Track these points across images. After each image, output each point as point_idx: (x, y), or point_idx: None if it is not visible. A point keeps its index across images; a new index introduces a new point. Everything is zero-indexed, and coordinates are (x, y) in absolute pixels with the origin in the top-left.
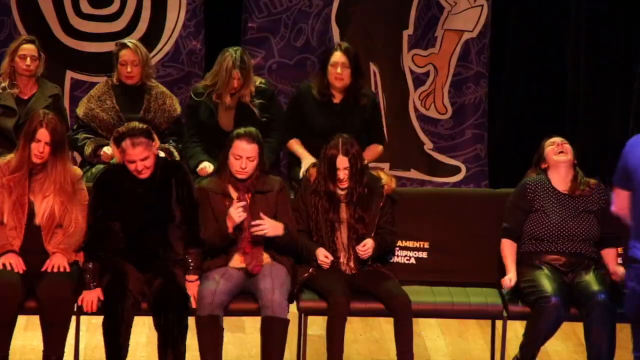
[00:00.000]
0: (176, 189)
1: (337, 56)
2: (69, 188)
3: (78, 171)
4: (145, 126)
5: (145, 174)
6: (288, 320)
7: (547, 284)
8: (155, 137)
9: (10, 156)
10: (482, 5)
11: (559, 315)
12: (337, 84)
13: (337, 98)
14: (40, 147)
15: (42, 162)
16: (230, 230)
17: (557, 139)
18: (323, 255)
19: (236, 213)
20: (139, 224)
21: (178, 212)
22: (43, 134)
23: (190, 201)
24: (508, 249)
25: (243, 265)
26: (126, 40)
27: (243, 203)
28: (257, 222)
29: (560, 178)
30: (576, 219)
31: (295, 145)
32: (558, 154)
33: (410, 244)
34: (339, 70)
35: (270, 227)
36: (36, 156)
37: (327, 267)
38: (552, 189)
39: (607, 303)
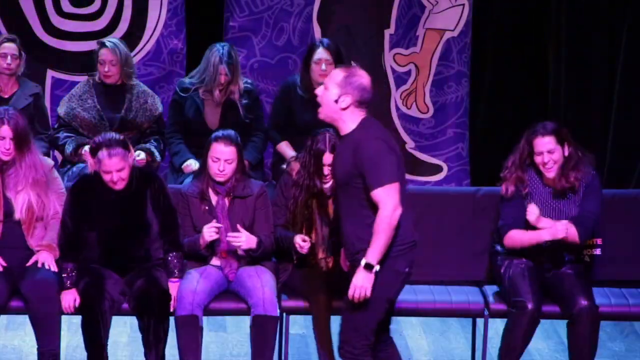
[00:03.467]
0: (152, 199)
1: (320, 53)
2: (42, 179)
3: (49, 161)
4: (121, 137)
5: (120, 185)
6: (279, 318)
7: (522, 285)
8: (131, 148)
9: None
10: (463, 5)
11: (535, 320)
12: (322, 80)
13: None
14: (5, 144)
15: (10, 158)
16: (202, 248)
17: (544, 148)
18: (301, 239)
19: (208, 232)
20: (115, 233)
21: (155, 222)
22: (5, 131)
23: (168, 209)
24: (518, 233)
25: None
26: (106, 40)
27: (219, 225)
28: (234, 234)
29: (549, 177)
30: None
31: (286, 149)
32: (546, 169)
33: None
34: (323, 67)
35: (245, 240)
36: (2, 153)
37: (306, 251)
38: (541, 186)
39: (591, 307)
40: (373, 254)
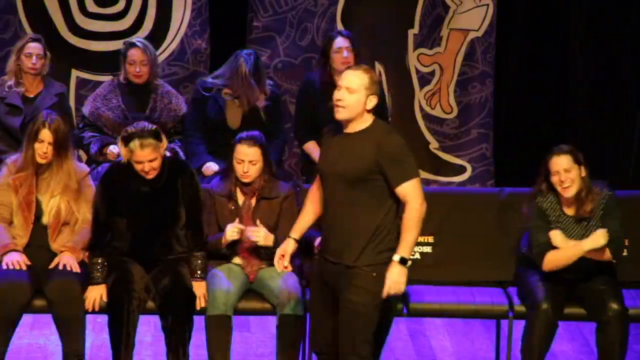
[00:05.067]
0: (182, 190)
1: (340, 41)
2: (74, 186)
3: (84, 168)
4: (154, 127)
5: (151, 175)
6: (304, 317)
7: (539, 289)
8: (164, 138)
9: (16, 155)
10: (487, 5)
11: (551, 321)
12: (344, 69)
13: None
14: (43, 147)
15: (47, 162)
16: (224, 246)
17: (560, 167)
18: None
19: (230, 232)
20: (144, 223)
21: (183, 213)
22: (46, 135)
23: (196, 203)
24: (557, 253)
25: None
26: (135, 40)
27: (240, 226)
28: (253, 228)
29: (567, 200)
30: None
31: (313, 149)
32: (563, 189)
33: None
34: (345, 54)
35: (262, 236)
36: (40, 156)
37: None
38: (561, 212)
39: (622, 311)
40: (405, 248)
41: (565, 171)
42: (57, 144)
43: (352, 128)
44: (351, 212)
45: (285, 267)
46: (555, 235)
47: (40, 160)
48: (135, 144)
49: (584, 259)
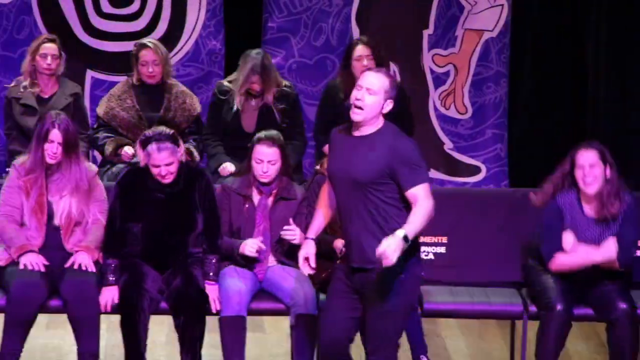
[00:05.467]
0: (198, 196)
1: (361, 50)
2: (84, 186)
3: (92, 167)
4: (171, 131)
5: (168, 179)
6: (318, 317)
7: (553, 289)
8: (181, 143)
9: (24, 157)
10: (502, 5)
11: (565, 322)
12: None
13: None
14: (53, 147)
15: (56, 162)
16: (238, 256)
17: (586, 162)
18: (342, 244)
19: (250, 248)
20: (159, 228)
21: (200, 219)
22: (55, 135)
23: (212, 209)
24: (566, 257)
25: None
26: (145, 40)
27: (262, 246)
28: (290, 227)
29: (588, 199)
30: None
31: None
32: (585, 184)
33: (428, 239)
34: (365, 62)
35: (298, 236)
36: (50, 157)
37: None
38: (581, 212)
39: (630, 311)
40: (412, 230)
41: (590, 166)
42: (67, 144)
43: (363, 130)
44: (366, 216)
45: (313, 269)
46: (568, 238)
47: (49, 161)
48: (152, 147)
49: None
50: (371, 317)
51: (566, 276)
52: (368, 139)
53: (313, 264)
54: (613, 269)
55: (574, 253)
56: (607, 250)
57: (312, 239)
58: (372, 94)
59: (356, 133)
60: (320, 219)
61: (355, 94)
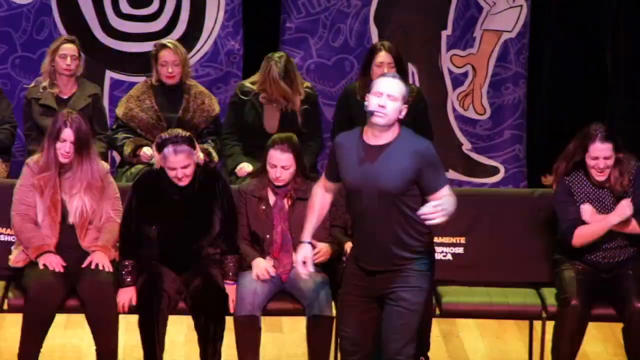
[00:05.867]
0: (215, 199)
1: (382, 56)
2: (97, 184)
3: (105, 165)
4: (188, 134)
5: (184, 182)
6: (334, 318)
7: (570, 285)
8: (197, 145)
9: (37, 156)
10: (521, 6)
11: (581, 318)
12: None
13: None
14: (66, 146)
15: (69, 161)
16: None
17: (601, 154)
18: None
19: (261, 271)
20: (176, 230)
21: (217, 222)
22: (68, 134)
23: (230, 211)
24: (585, 228)
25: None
26: (165, 41)
27: (272, 271)
28: (317, 249)
29: (598, 180)
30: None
31: None
32: (599, 174)
33: (446, 239)
34: (385, 69)
35: (325, 253)
36: (62, 156)
37: None
38: (589, 184)
39: None
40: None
41: (605, 158)
42: (79, 142)
43: (382, 139)
44: (394, 225)
45: (309, 272)
46: (586, 209)
47: (62, 160)
48: (169, 150)
49: (618, 250)
50: (397, 316)
51: (590, 269)
52: (389, 147)
53: (311, 268)
54: (635, 234)
55: (592, 223)
56: (622, 210)
57: (307, 242)
58: (393, 100)
59: (373, 142)
60: (314, 220)
61: (376, 100)
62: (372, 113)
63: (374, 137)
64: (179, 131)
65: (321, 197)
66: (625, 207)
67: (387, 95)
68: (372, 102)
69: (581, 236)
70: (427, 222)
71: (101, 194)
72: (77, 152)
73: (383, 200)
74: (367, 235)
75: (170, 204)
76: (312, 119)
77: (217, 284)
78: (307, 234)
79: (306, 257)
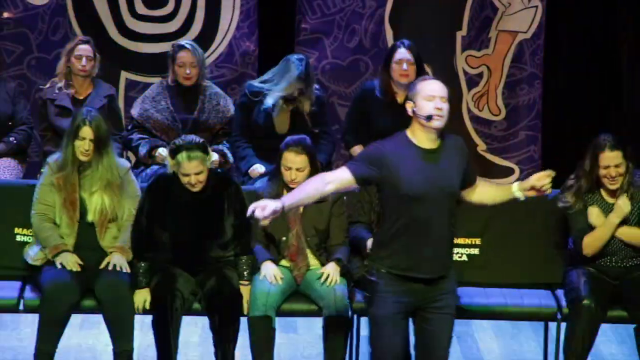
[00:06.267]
0: (227, 204)
1: (402, 53)
2: (116, 182)
3: (125, 163)
4: (201, 140)
5: (197, 188)
6: (350, 319)
7: (583, 286)
8: (211, 152)
9: (57, 155)
10: (536, 6)
11: (594, 319)
12: (403, 81)
13: (401, 97)
14: (85, 144)
15: (88, 159)
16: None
17: (612, 162)
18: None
19: (270, 275)
20: (187, 234)
21: (229, 226)
22: (87, 132)
23: (243, 213)
24: (592, 235)
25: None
26: (183, 42)
27: (280, 279)
28: (329, 276)
29: (611, 193)
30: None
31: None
32: (611, 182)
33: (461, 240)
34: (404, 66)
35: (334, 277)
36: (82, 154)
37: None
38: (603, 200)
39: None
40: None
41: (615, 166)
42: (98, 140)
43: (437, 141)
44: (450, 227)
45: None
46: (593, 211)
47: (81, 158)
48: (182, 156)
49: (627, 259)
50: (446, 323)
51: (602, 273)
52: (443, 148)
53: (265, 212)
54: None
55: (598, 228)
56: (619, 209)
57: (282, 202)
58: (445, 101)
59: (428, 145)
60: (301, 196)
61: (432, 104)
62: (430, 117)
63: (429, 141)
64: (193, 137)
65: (320, 182)
66: (622, 206)
67: (439, 98)
68: (426, 106)
69: (590, 243)
70: (543, 190)
71: (121, 192)
72: (97, 150)
73: (447, 202)
74: (428, 241)
75: (183, 208)
76: (321, 119)
77: (232, 285)
78: (287, 197)
79: (266, 206)
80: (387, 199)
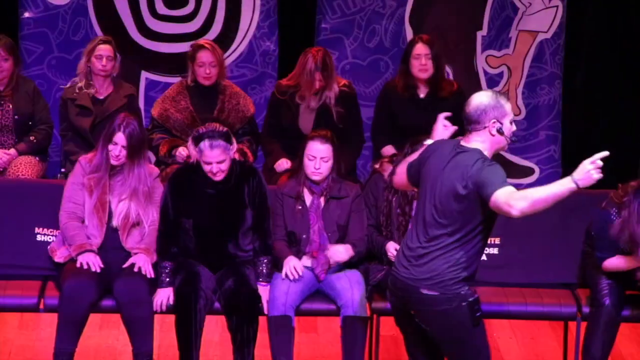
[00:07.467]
0: (249, 194)
1: (420, 48)
2: (144, 189)
3: (155, 170)
4: (225, 129)
5: (219, 177)
6: (368, 318)
7: (603, 286)
8: (234, 140)
9: (90, 154)
10: (557, 6)
11: (613, 320)
12: (422, 75)
13: (423, 92)
14: (117, 150)
15: (120, 164)
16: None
17: None
18: (393, 249)
19: (290, 270)
20: (210, 225)
21: (250, 218)
22: (120, 138)
23: (263, 209)
24: (614, 260)
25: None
26: (202, 42)
27: (296, 275)
28: (333, 252)
29: None
30: None
31: (391, 153)
32: None
33: None
34: (423, 61)
35: (344, 253)
36: (114, 158)
37: None
38: None
39: None
40: None
41: None
42: (131, 148)
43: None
44: None
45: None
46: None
47: (113, 162)
48: (205, 144)
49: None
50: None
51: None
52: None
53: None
54: None
55: (622, 258)
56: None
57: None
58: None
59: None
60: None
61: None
62: (512, 141)
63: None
64: (216, 125)
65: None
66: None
67: None
68: (511, 129)
69: (609, 268)
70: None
71: (148, 199)
72: (129, 156)
73: None
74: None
75: (205, 197)
76: (352, 118)
77: (250, 285)
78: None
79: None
80: (484, 214)
